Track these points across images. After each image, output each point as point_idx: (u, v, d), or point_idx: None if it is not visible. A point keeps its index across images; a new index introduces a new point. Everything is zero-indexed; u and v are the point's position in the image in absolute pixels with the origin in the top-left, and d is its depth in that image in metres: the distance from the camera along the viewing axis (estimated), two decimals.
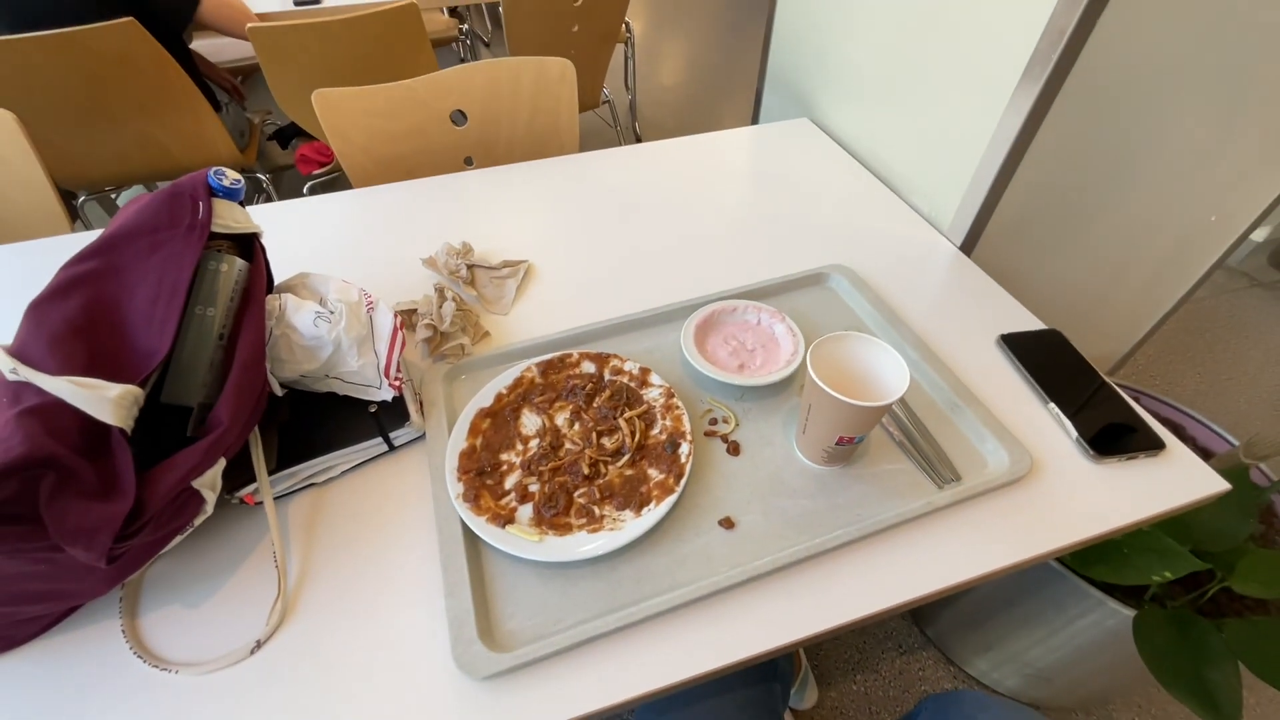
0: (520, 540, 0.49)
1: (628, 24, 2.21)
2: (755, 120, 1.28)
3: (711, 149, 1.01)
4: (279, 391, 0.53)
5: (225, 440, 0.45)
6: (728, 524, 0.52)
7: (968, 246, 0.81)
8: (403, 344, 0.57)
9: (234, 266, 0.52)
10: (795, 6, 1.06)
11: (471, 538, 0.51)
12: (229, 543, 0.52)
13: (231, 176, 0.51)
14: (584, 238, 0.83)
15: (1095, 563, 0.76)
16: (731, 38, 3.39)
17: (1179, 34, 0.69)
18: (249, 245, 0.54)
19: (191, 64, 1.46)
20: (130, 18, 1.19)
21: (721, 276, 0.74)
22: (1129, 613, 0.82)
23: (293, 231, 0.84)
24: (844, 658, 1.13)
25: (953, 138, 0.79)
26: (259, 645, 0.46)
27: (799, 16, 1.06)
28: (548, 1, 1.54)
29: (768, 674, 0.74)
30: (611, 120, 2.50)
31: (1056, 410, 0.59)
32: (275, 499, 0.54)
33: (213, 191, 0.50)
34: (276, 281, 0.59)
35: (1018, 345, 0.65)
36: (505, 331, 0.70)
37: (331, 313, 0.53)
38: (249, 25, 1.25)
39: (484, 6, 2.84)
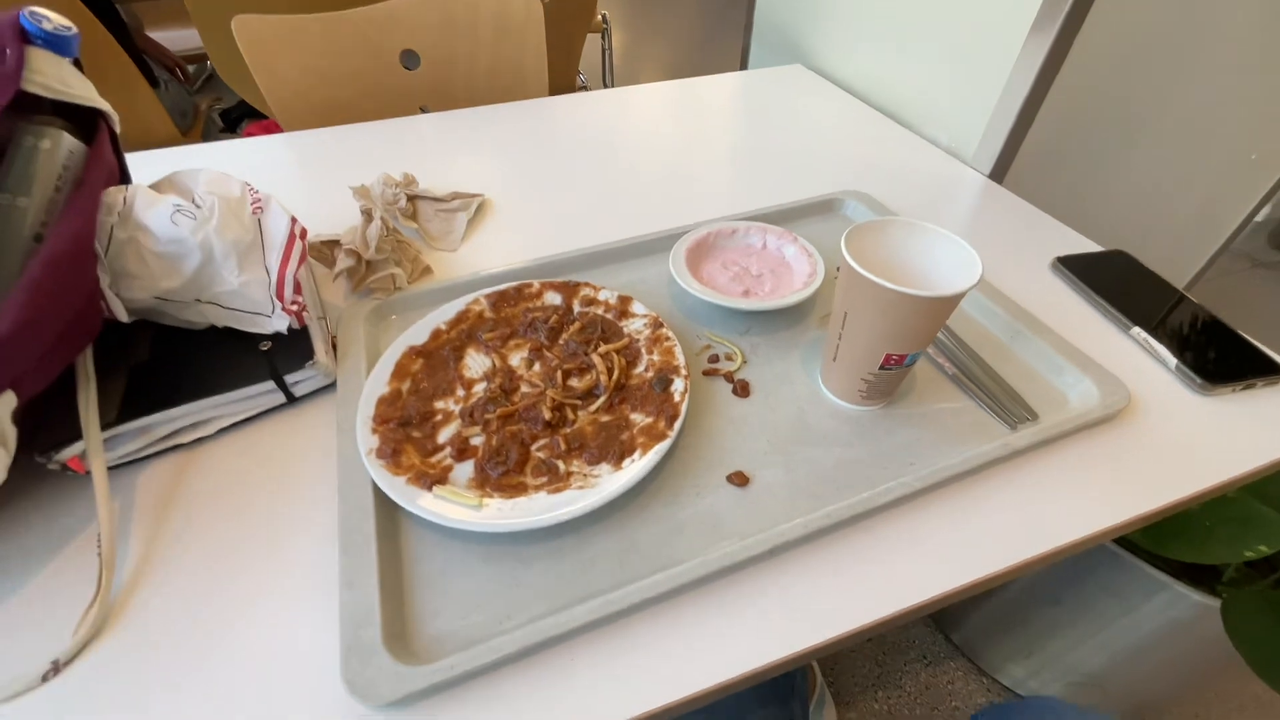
0: (453, 504, 0.35)
1: (604, 15, 2.14)
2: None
3: (698, 92, 0.89)
4: (122, 316, 0.39)
5: (6, 358, 0.31)
6: (739, 480, 0.38)
7: (997, 175, 0.70)
8: (302, 256, 0.43)
9: (59, 145, 0.38)
10: None
11: (387, 508, 0.36)
12: (40, 526, 0.37)
13: (58, 20, 0.38)
14: (553, 176, 0.70)
15: (1170, 538, 0.64)
16: (708, 42, 3.34)
17: None
18: (91, 127, 0.41)
19: (127, 37, 1.33)
20: None
21: (714, 208, 0.62)
22: (1202, 599, 0.70)
23: None
24: (862, 672, 0.99)
25: (972, 65, 0.69)
26: (57, 668, 0.31)
27: None
28: None
29: (785, 691, 0.60)
30: None
31: (1144, 335, 0.47)
32: (119, 465, 0.39)
33: (27, 37, 0.37)
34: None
35: (1079, 267, 0.54)
36: (452, 269, 0.56)
37: (198, 207, 0.39)
38: None
39: None
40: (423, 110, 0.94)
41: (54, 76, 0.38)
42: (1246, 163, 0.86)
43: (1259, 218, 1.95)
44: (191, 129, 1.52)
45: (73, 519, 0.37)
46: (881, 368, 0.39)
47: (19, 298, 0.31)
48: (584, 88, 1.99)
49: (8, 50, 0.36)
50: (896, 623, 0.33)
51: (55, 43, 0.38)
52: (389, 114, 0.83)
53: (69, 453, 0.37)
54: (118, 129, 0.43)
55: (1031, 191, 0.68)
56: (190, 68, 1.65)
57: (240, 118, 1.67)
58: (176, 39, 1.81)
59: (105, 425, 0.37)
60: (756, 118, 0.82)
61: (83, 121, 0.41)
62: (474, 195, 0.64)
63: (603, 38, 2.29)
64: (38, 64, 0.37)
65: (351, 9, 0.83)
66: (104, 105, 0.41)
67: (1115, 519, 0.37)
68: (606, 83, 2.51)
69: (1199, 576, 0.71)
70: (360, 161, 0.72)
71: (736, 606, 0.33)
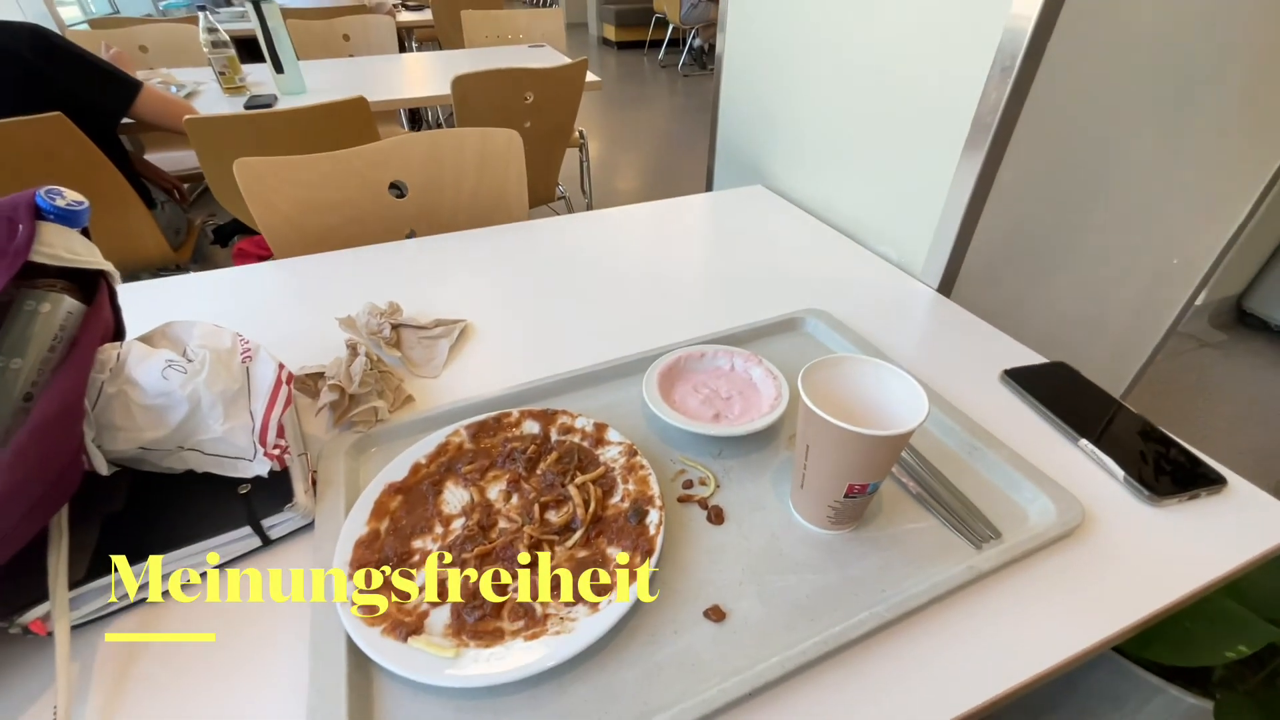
0: (427, 657, 0.35)
1: (581, 132, 2.32)
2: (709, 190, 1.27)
3: (667, 213, 0.97)
4: (102, 469, 0.39)
5: None
6: (716, 615, 0.39)
7: (945, 288, 0.75)
8: (288, 401, 0.45)
9: (59, 308, 0.40)
10: (739, 82, 1.08)
11: (359, 660, 0.36)
12: None
13: (71, 197, 0.41)
14: (531, 297, 0.74)
15: (1152, 640, 0.64)
16: (679, 146, 3.61)
17: (1120, 74, 0.69)
18: (93, 284, 0.43)
19: (126, 160, 1.41)
20: (59, 113, 1.15)
21: (685, 329, 0.66)
22: (1196, 702, 0.69)
23: (200, 300, 0.73)
24: None
25: (913, 187, 0.77)
26: None
27: (744, 90, 1.07)
28: (498, 99, 1.57)
29: None
30: (567, 212, 2.54)
31: (1091, 448, 0.50)
32: (83, 623, 0.38)
33: (40, 213, 0.40)
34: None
35: (1025, 380, 0.57)
36: (434, 396, 0.58)
37: (190, 361, 0.41)
38: (186, 118, 1.21)
39: (438, 109, 2.94)
40: (411, 234, 1.00)
41: (61, 246, 0.41)
42: (1170, 266, 0.95)
43: (1199, 301, 2.08)
44: (184, 244, 1.57)
45: (29, 684, 0.36)
46: (846, 496, 0.40)
47: (1, 469, 0.32)
48: (563, 197, 2.12)
49: (21, 226, 0.39)
50: None
51: (66, 217, 0.41)
52: (378, 238, 0.88)
53: (33, 615, 0.36)
54: (118, 287, 0.45)
55: (976, 301, 0.74)
56: (185, 185, 1.73)
57: (232, 233, 1.74)
58: (175, 159, 1.92)
59: (73, 584, 0.37)
60: (723, 237, 0.89)
61: (84, 280, 0.43)
62: (456, 321, 0.67)
63: (580, 151, 2.47)
64: (47, 237, 0.40)
65: (346, 149, 0.90)
66: (106, 266, 0.44)
67: (1087, 641, 0.38)
68: (585, 190, 2.68)
69: (1192, 676, 0.71)
70: (348, 287, 0.76)
71: None
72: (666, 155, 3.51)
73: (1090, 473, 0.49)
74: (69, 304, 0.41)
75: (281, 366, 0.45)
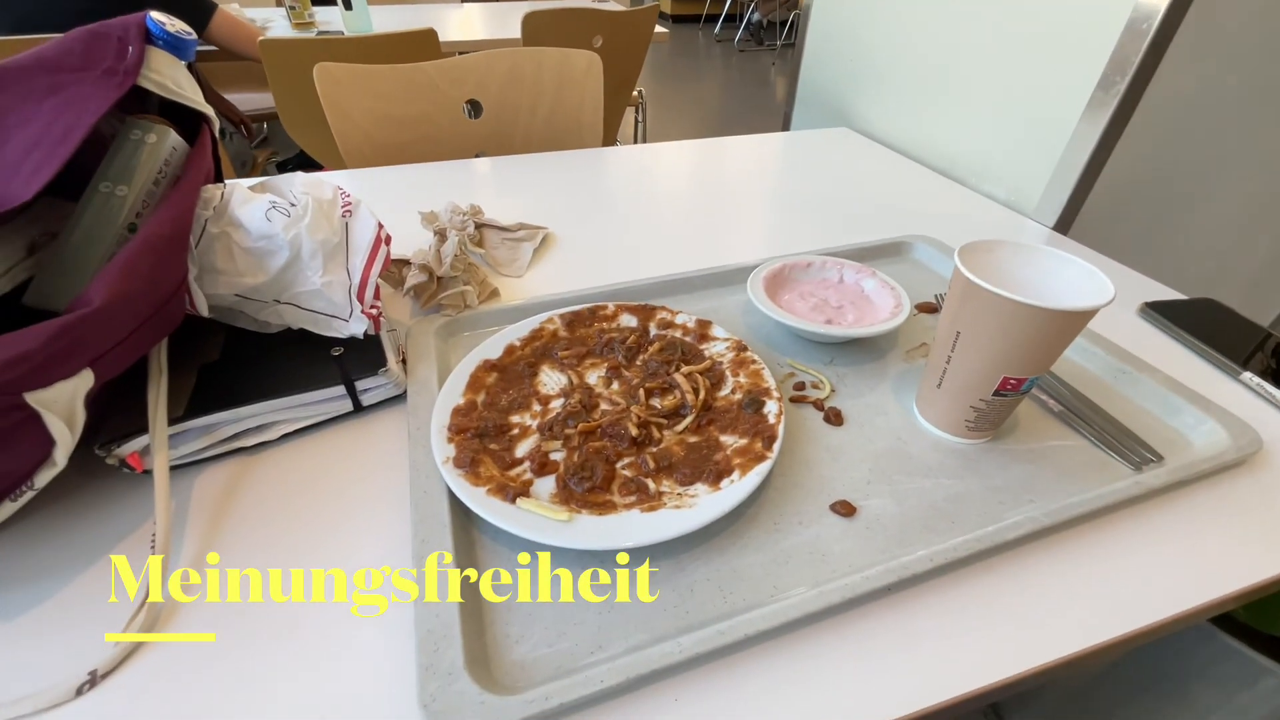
0: (539, 519, 0.32)
1: (640, 91, 2.26)
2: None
3: (748, 149, 0.92)
4: (203, 310, 0.37)
5: (92, 333, 0.29)
6: (845, 509, 0.35)
7: (1062, 228, 0.69)
8: (386, 261, 0.42)
9: (165, 140, 0.38)
10: (830, 19, 1.02)
11: (462, 521, 0.34)
12: (94, 526, 0.34)
13: (180, 25, 0.39)
14: (614, 218, 0.70)
15: (1277, 614, 0.58)
16: (732, 124, 3.52)
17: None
18: (195, 129, 0.41)
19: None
20: None
21: (777, 250, 0.62)
22: None
23: None
24: None
25: (1032, 122, 0.70)
26: (94, 679, 0.27)
27: (834, 28, 1.01)
28: (568, 41, 1.52)
29: None
30: None
31: (1257, 380, 0.44)
32: (179, 465, 0.37)
33: (150, 37, 0.38)
34: None
35: (1170, 313, 0.52)
36: (520, 293, 0.55)
37: (292, 204, 0.39)
38: (260, 38, 1.20)
39: None
40: (479, 155, 0.97)
41: (169, 76, 0.39)
42: None
43: None
44: (249, 177, 1.59)
45: (125, 518, 0.34)
46: (996, 393, 0.36)
47: (110, 276, 0.30)
48: None
49: (131, 47, 0.37)
50: (1038, 679, 0.29)
51: (175, 45, 0.39)
52: (446, 157, 0.85)
53: (130, 447, 0.34)
54: (218, 134, 0.43)
55: (1096, 242, 0.68)
56: (253, 124, 1.75)
57: (296, 169, 1.75)
58: (242, 101, 1.94)
59: (172, 421, 0.36)
60: (807, 173, 0.83)
61: (187, 123, 0.41)
62: (539, 227, 0.64)
63: (637, 110, 2.42)
64: (156, 63, 0.38)
65: (425, 61, 0.87)
66: (208, 109, 0.42)
67: (1261, 575, 0.33)
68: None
69: None
70: (425, 196, 0.73)
71: (858, 648, 0.29)
72: (721, 128, 3.42)
73: (1256, 406, 0.43)
74: (174, 139, 0.39)
75: (381, 225, 0.43)
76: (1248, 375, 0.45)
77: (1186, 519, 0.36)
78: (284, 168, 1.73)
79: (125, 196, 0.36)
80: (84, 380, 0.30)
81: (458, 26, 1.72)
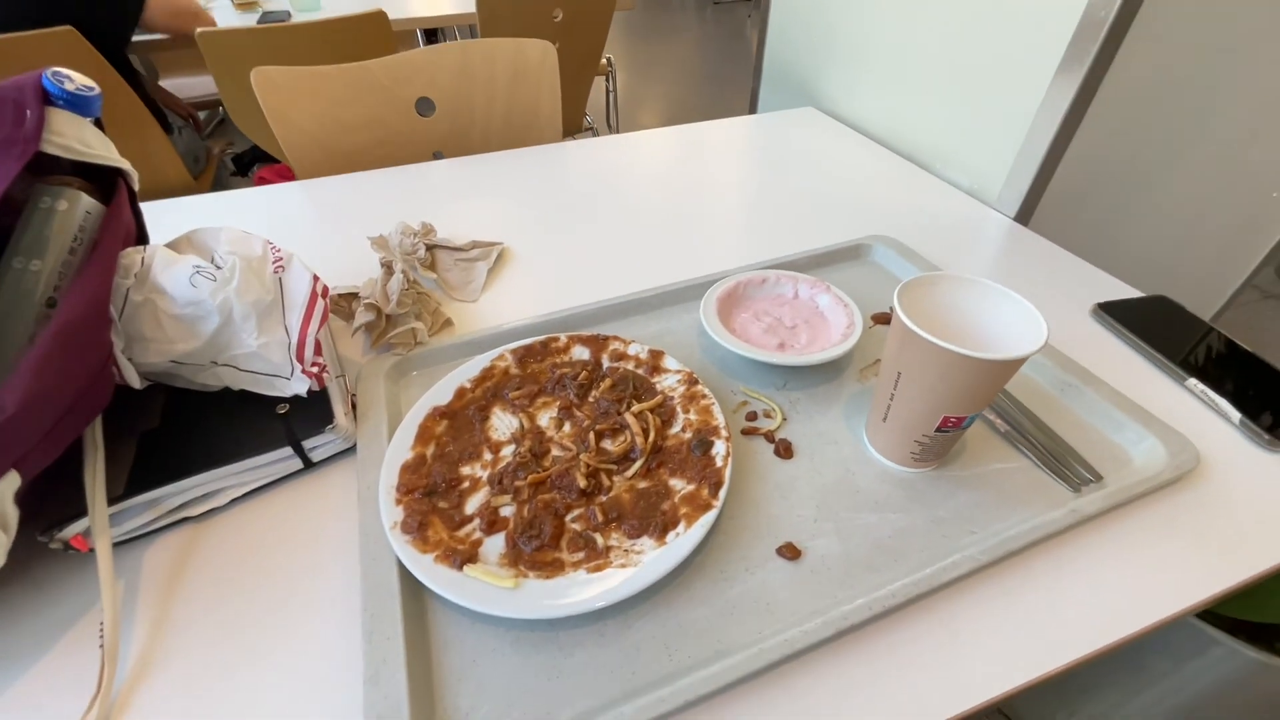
0: (486, 587, 0.33)
1: (609, 59, 2.19)
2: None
3: (711, 135, 0.89)
4: (134, 382, 0.37)
5: (10, 438, 0.28)
6: (790, 553, 0.36)
7: (1022, 218, 0.69)
8: (324, 316, 0.41)
9: (77, 206, 0.37)
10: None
11: (412, 588, 0.34)
12: (40, 611, 0.34)
13: (80, 80, 0.37)
14: (570, 221, 0.69)
15: (1230, 597, 0.60)
16: (710, 83, 3.42)
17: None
18: (109, 186, 0.40)
19: (139, 85, 1.35)
20: (69, 26, 1.09)
21: (736, 256, 0.61)
22: (1258, 656, 0.66)
23: (223, 221, 0.69)
24: None
25: (993, 108, 0.69)
26: None
27: (799, 6, 0.97)
28: (526, 17, 1.46)
29: None
30: None
31: (1201, 388, 0.45)
32: (123, 541, 0.36)
33: (49, 98, 0.36)
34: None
35: (1122, 314, 0.52)
36: (473, 321, 0.54)
37: (218, 268, 0.38)
38: (198, 30, 1.14)
39: (457, 33, 2.81)
40: (436, 156, 0.94)
41: (74, 137, 0.37)
42: (1268, 200, 0.86)
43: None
44: (204, 173, 1.53)
45: (74, 602, 0.34)
46: (938, 430, 0.36)
47: (26, 373, 0.29)
48: (590, 129, 2.02)
49: (29, 111, 0.35)
50: (981, 710, 0.30)
51: (77, 103, 0.37)
52: (403, 160, 0.83)
53: (72, 530, 0.34)
54: (136, 187, 0.41)
55: (1054, 232, 0.67)
56: (202, 114, 1.68)
57: (252, 162, 1.69)
58: (190, 85, 1.86)
59: (112, 500, 0.35)
60: (772, 161, 0.82)
61: (101, 180, 0.39)
62: (493, 244, 0.63)
63: (607, 80, 2.34)
64: (58, 125, 0.36)
65: (369, 60, 0.83)
66: (124, 164, 0.40)
67: (1198, 595, 0.34)
68: (611, 124, 2.55)
69: (1255, 633, 0.68)
70: (376, 209, 0.71)
71: (796, 701, 0.30)
72: (697, 88, 3.33)
73: (1199, 415, 0.44)
74: (87, 202, 0.37)
75: (316, 279, 0.42)
76: (1193, 382, 0.46)
77: (1125, 540, 0.37)
78: (240, 161, 1.66)
79: (39, 271, 0.35)
80: (10, 482, 0.29)
81: (407, 4, 1.64)
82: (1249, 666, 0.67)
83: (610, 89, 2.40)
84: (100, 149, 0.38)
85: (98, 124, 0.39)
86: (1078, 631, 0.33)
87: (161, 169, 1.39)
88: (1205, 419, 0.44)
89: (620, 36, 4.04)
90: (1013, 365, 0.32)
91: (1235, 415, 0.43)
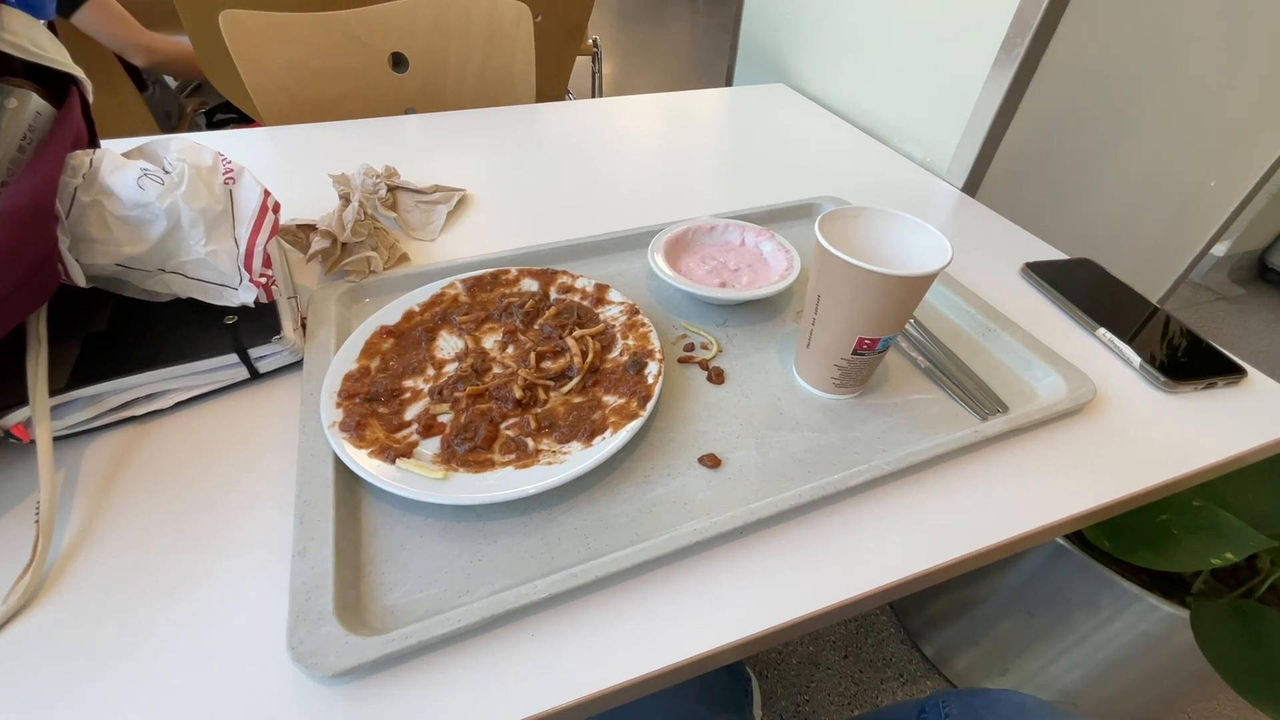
0: (416, 477, 0.34)
1: (595, 39, 2.19)
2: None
3: (683, 104, 0.91)
4: (80, 280, 0.37)
5: None
6: (711, 462, 0.38)
7: (970, 189, 0.72)
8: (274, 229, 0.42)
9: (26, 105, 0.37)
10: None
11: (348, 482, 0.35)
12: None
13: None
14: (535, 174, 0.70)
15: (1139, 546, 0.64)
16: (696, 69, 3.43)
17: None
18: (62, 92, 0.40)
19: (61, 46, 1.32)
20: None
21: (695, 211, 0.63)
22: (1172, 610, 0.70)
23: None
24: (838, 690, 0.97)
25: (943, 85, 0.72)
26: None
27: None
28: None
29: (740, 698, 0.58)
30: None
31: (1110, 336, 0.48)
32: (66, 435, 0.37)
33: None
34: None
35: (1047, 273, 0.55)
36: (429, 258, 0.56)
37: (167, 173, 0.39)
38: None
39: None
40: (409, 113, 0.95)
41: (26, 36, 0.37)
42: (1206, 189, 0.90)
43: (1220, 253, 2.01)
44: (176, 131, 1.51)
45: (13, 489, 0.35)
46: (854, 352, 0.39)
47: None
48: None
49: None
50: (866, 605, 0.33)
51: (30, 3, 0.37)
52: (375, 115, 0.83)
53: (13, 418, 0.35)
54: (90, 97, 0.42)
55: (1002, 206, 0.71)
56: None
57: (225, 121, 1.66)
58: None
59: (54, 391, 0.36)
60: (738, 130, 0.84)
61: (54, 86, 0.40)
62: (456, 189, 0.64)
63: (593, 61, 2.34)
64: (10, 22, 0.37)
65: (343, 9, 0.83)
66: (76, 71, 0.40)
67: (1080, 507, 0.37)
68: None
69: (1169, 590, 0.72)
70: (342, 156, 0.72)
71: (705, 585, 0.32)
72: (684, 77, 3.34)
73: (1107, 361, 0.47)
74: (37, 103, 0.38)
75: (268, 193, 0.43)
76: (1102, 331, 0.49)
77: (1022, 461, 0.39)
78: (212, 117, 1.64)
79: None
80: None
81: None
82: (1166, 620, 0.71)
83: (595, 70, 2.40)
84: (53, 52, 0.39)
85: (51, 28, 0.39)
86: (968, 532, 0.35)
87: (131, 124, 1.37)
88: (1110, 364, 0.47)
89: (611, 20, 4.04)
90: (918, 282, 0.35)
91: (1136, 360, 0.46)
